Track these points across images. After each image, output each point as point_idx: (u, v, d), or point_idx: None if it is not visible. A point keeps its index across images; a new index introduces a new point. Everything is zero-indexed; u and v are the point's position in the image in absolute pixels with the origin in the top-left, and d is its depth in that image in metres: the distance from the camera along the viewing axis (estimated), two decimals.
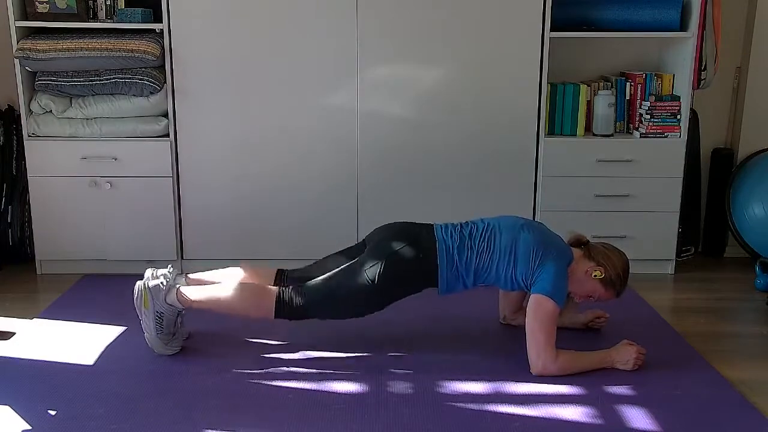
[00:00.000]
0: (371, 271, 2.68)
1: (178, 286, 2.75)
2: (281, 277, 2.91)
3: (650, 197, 3.72)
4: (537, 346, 2.60)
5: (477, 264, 2.70)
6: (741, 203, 3.95)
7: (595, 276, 2.71)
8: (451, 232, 2.77)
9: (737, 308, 3.48)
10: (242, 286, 2.75)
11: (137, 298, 2.72)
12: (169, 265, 2.83)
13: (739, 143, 4.09)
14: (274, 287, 2.77)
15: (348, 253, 2.91)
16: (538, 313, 2.60)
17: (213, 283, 2.86)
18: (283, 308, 2.71)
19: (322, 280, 2.75)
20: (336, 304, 2.74)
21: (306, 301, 2.72)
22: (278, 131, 3.64)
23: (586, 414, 2.40)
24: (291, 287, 2.76)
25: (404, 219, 3.69)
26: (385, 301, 2.76)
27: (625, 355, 2.69)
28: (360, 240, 3.01)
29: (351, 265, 2.75)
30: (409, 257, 2.71)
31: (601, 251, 2.77)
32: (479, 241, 2.72)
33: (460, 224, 2.82)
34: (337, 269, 2.77)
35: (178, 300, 2.71)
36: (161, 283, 2.70)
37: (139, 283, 2.73)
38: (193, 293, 2.72)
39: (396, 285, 2.73)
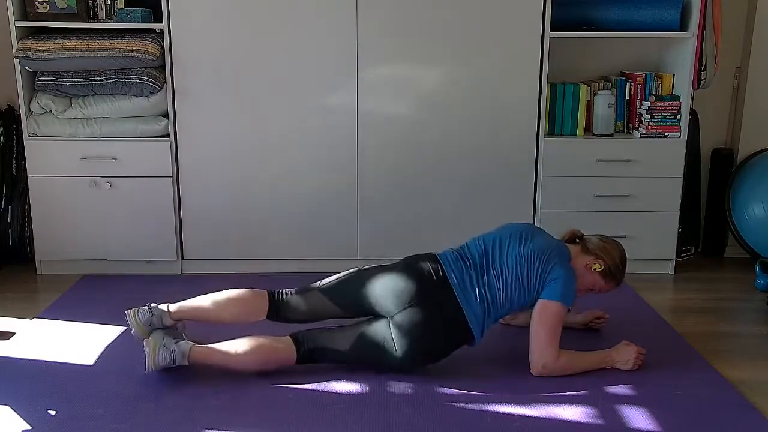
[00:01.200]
0: (398, 352, 2.56)
1: (190, 346, 2.57)
2: (275, 307, 2.74)
3: (650, 197, 3.72)
4: (540, 346, 2.60)
5: (501, 313, 2.67)
6: (741, 203, 3.95)
7: (595, 269, 2.71)
8: (472, 292, 2.60)
9: (737, 308, 3.48)
10: (256, 347, 2.58)
11: (152, 349, 2.54)
12: (147, 306, 2.66)
13: (739, 143, 4.09)
14: (289, 346, 2.60)
15: (340, 292, 2.71)
16: (544, 314, 2.59)
17: (200, 308, 2.71)
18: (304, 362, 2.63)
19: (343, 351, 2.61)
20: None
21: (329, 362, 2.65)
22: (278, 131, 3.63)
23: (586, 414, 2.40)
24: (310, 349, 2.61)
25: (404, 219, 3.71)
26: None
27: (625, 355, 2.69)
28: (354, 270, 2.78)
29: (373, 341, 2.58)
30: (440, 337, 2.59)
31: (597, 244, 2.78)
32: (499, 292, 2.61)
33: (476, 273, 2.64)
34: (356, 342, 2.60)
35: (188, 359, 2.57)
36: (171, 352, 2.53)
37: (146, 339, 2.58)
38: (206, 358, 2.58)
39: (429, 360, 2.66)
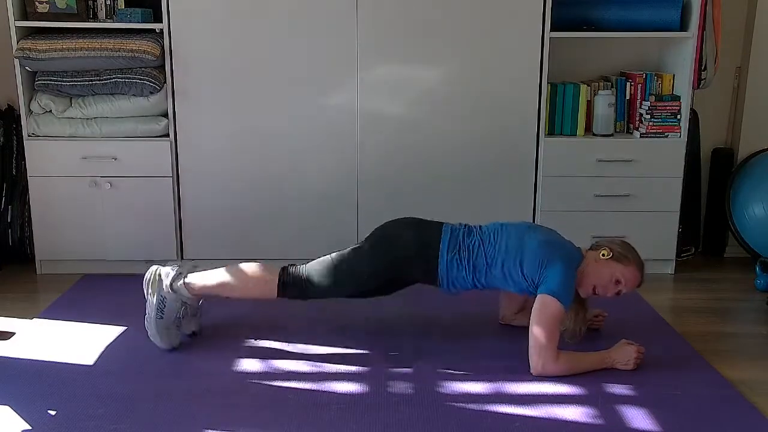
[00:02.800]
0: (374, 251, 2.77)
1: (187, 274, 2.81)
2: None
3: (650, 197, 3.72)
4: (539, 347, 2.60)
5: (483, 259, 2.71)
6: (741, 203, 3.95)
7: (603, 255, 2.72)
8: (459, 228, 2.81)
9: (737, 308, 3.48)
10: (246, 266, 2.83)
11: (147, 279, 2.79)
12: (177, 264, 2.87)
13: (739, 143, 4.09)
14: (275, 271, 2.84)
15: None
16: (542, 314, 2.59)
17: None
18: (285, 283, 2.78)
19: (326, 257, 2.82)
20: (337, 278, 2.78)
21: (308, 274, 2.79)
22: (278, 131, 3.64)
23: (586, 414, 2.40)
24: (294, 265, 2.84)
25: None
26: (384, 283, 2.81)
27: (625, 355, 2.69)
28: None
29: (356, 246, 2.83)
30: (413, 240, 2.78)
31: (600, 242, 2.83)
32: (487, 237, 2.76)
33: (469, 225, 2.85)
34: (342, 250, 2.84)
35: (184, 286, 2.76)
36: (171, 269, 2.79)
37: (152, 267, 2.82)
38: (198, 278, 2.80)
39: (396, 267, 2.77)
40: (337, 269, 2.78)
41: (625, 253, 2.74)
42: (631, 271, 2.73)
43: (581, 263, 2.73)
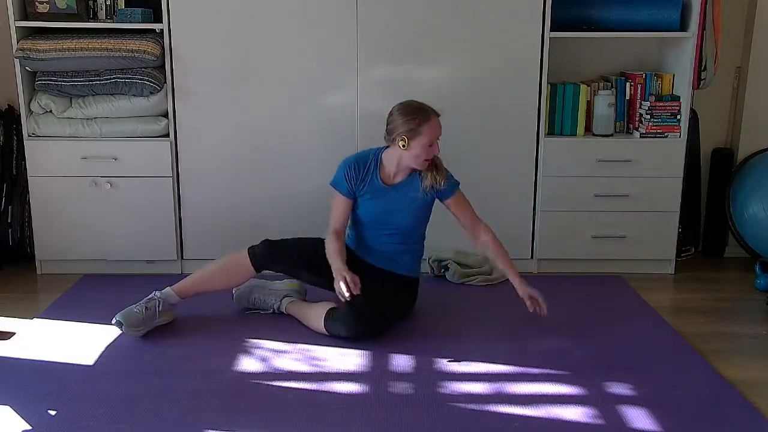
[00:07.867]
0: None
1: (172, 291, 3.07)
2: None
3: (650, 197, 3.72)
4: None
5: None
6: (741, 203, 3.95)
7: (403, 146, 2.98)
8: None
9: (737, 308, 3.48)
10: (219, 260, 3.14)
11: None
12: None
13: (739, 143, 4.09)
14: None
15: None
16: None
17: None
18: (255, 251, 3.09)
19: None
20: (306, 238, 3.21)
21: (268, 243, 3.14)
22: (278, 131, 3.64)
23: (586, 414, 2.40)
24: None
25: None
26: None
27: (340, 280, 2.84)
28: None
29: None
30: None
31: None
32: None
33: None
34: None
35: (175, 293, 3.03)
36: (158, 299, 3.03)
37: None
38: (183, 283, 3.08)
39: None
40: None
41: (395, 117, 3.01)
42: (426, 127, 2.98)
43: (383, 151, 3.06)
